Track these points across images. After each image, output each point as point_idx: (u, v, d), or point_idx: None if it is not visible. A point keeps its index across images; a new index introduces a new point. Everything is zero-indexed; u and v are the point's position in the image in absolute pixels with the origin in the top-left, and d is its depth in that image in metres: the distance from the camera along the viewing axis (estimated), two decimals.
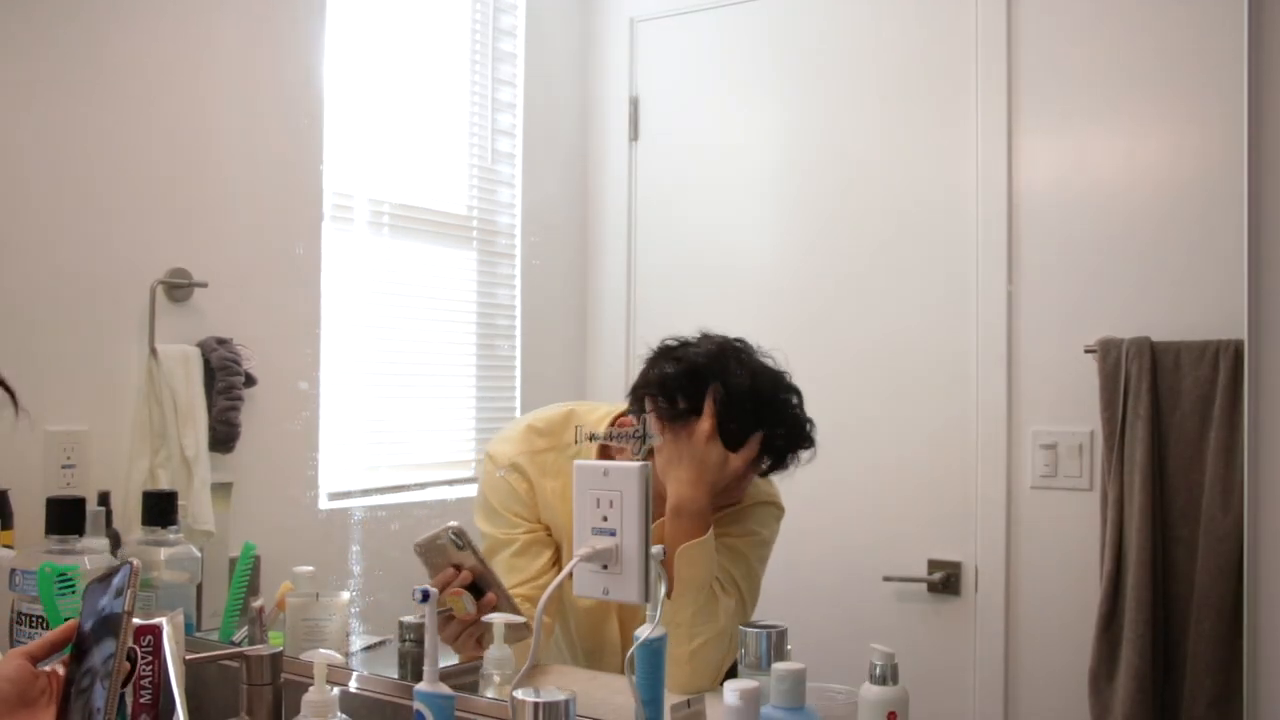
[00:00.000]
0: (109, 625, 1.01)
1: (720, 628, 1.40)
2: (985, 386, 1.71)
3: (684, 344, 1.49)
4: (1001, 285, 1.71)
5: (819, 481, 1.71)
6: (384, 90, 2.07)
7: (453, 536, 1.37)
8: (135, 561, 1.04)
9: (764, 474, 1.49)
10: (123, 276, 1.79)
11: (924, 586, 1.75)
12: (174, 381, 1.78)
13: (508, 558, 1.53)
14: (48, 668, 1.03)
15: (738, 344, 1.48)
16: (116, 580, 1.04)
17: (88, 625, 1.04)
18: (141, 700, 1.19)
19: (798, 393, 1.47)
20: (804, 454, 1.47)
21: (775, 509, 1.56)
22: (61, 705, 1.01)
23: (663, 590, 1.16)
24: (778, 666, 1.10)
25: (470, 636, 1.39)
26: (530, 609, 1.46)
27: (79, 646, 1.03)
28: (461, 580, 1.36)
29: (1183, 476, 1.47)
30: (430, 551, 1.38)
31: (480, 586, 1.38)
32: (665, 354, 1.49)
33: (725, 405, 1.42)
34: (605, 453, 1.46)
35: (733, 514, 1.50)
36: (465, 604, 1.37)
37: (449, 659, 1.41)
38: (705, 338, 1.49)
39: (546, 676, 1.49)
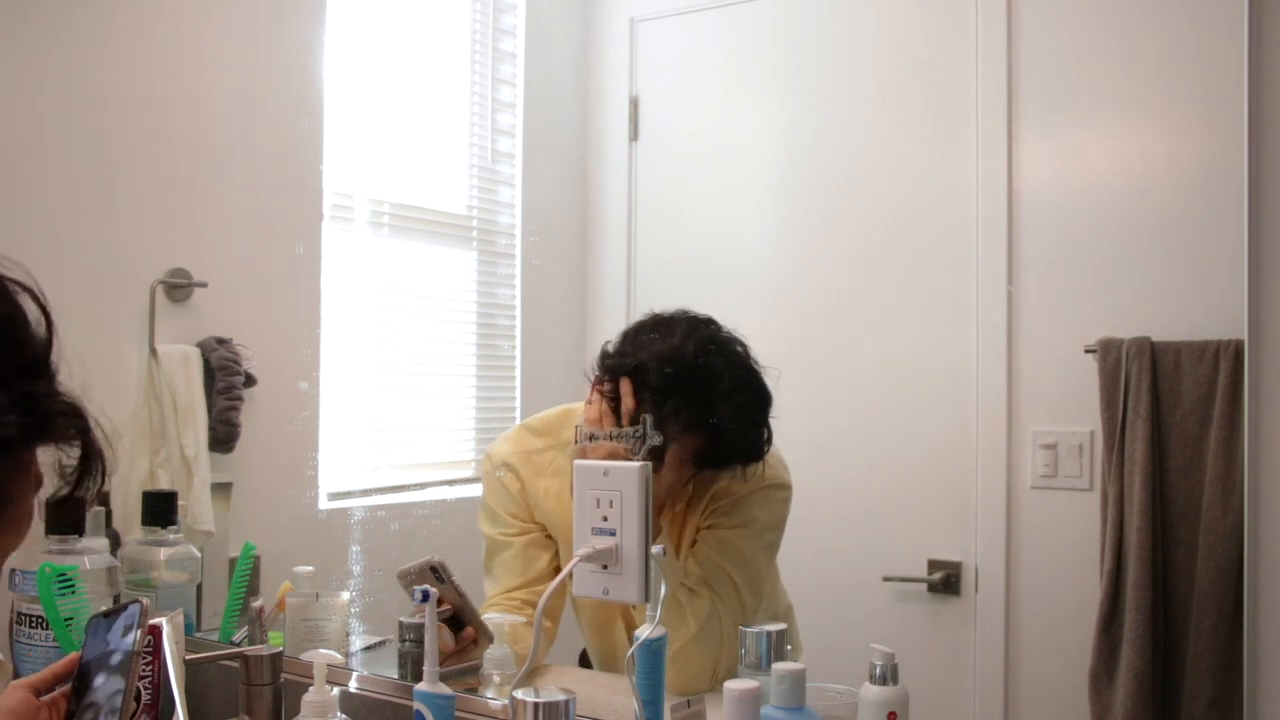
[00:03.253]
0: (113, 661, 1.02)
1: (693, 631, 1.37)
2: (985, 386, 1.70)
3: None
4: (1001, 285, 1.70)
5: (819, 482, 1.71)
6: (384, 90, 2.07)
7: (434, 570, 1.39)
8: (144, 600, 1.06)
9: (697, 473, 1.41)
10: (123, 276, 1.79)
11: (924, 586, 1.74)
12: (174, 381, 1.78)
13: (506, 560, 1.53)
14: (48, 698, 1.04)
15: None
16: (124, 618, 1.05)
17: (90, 659, 1.05)
18: (141, 700, 1.19)
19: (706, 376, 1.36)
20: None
21: (779, 490, 1.48)
22: None
23: (663, 590, 1.16)
24: (778, 666, 1.10)
25: (450, 668, 1.38)
26: (530, 612, 1.46)
27: (80, 680, 1.04)
28: (442, 614, 1.36)
29: (1183, 476, 1.47)
30: (412, 582, 1.40)
31: (460, 620, 1.40)
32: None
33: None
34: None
35: (728, 504, 1.45)
36: (445, 637, 1.38)
37: None
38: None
39: (546, 676, 1.49)
